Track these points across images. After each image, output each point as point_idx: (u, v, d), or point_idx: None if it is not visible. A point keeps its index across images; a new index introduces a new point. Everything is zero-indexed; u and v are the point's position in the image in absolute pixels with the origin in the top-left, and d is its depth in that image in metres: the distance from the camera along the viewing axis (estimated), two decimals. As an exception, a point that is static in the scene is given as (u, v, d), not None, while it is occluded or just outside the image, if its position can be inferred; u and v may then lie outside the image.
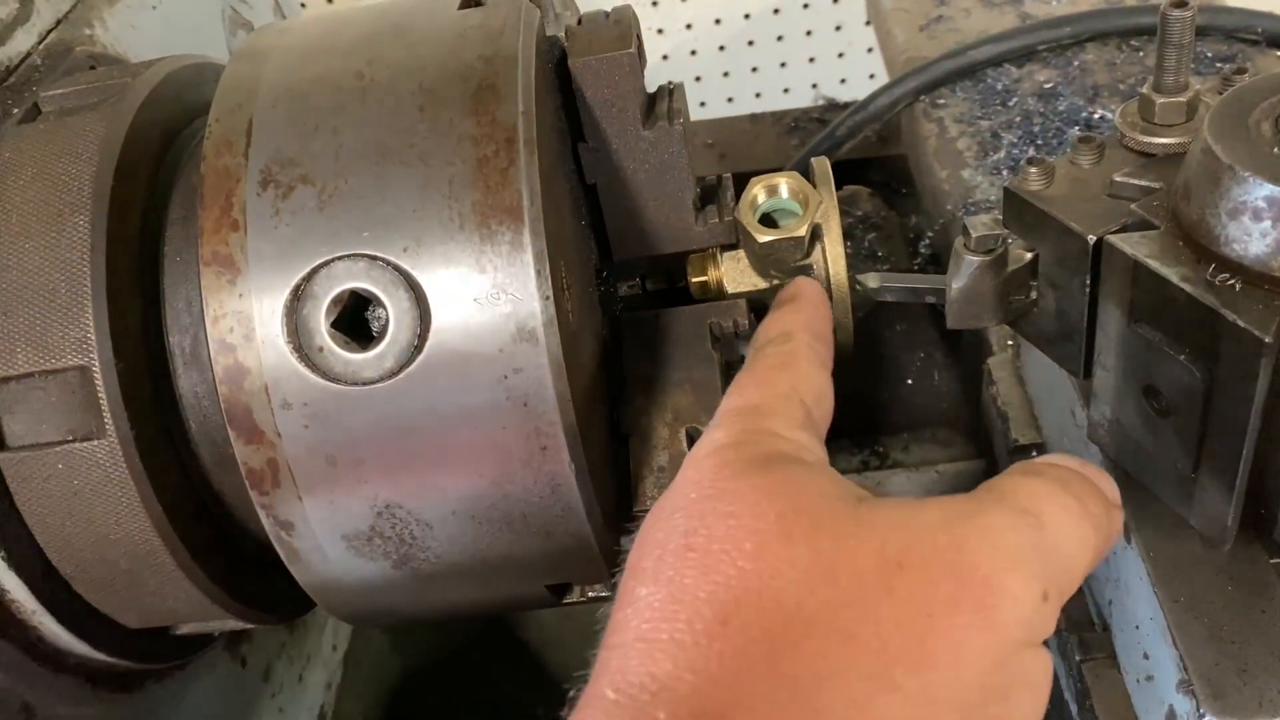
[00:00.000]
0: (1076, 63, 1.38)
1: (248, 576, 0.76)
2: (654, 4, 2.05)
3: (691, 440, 0.71)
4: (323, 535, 0.65)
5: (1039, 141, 1.28)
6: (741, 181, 0.76)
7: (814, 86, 2.15)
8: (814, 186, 0.74)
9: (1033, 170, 0.71)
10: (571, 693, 0.51)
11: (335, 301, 0.61)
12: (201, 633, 0.80)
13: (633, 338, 0.75)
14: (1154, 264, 0.62)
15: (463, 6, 0.69)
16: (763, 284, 0.77)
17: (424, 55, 0.65)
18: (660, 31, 2.08)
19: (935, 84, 1.38)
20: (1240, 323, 0.58)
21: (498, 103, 0.62)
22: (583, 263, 0.72)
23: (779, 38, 2.08)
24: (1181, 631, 0.64)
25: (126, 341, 0.66)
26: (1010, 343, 0.98)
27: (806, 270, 0.75)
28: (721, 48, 2.10)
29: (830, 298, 0.74)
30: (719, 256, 0.77)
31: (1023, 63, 1.39)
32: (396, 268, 0.60)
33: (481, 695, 1.52)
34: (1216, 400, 0.61)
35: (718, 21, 2.07)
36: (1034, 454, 0.88)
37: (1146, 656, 0.67)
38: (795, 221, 0.72)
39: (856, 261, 1.34)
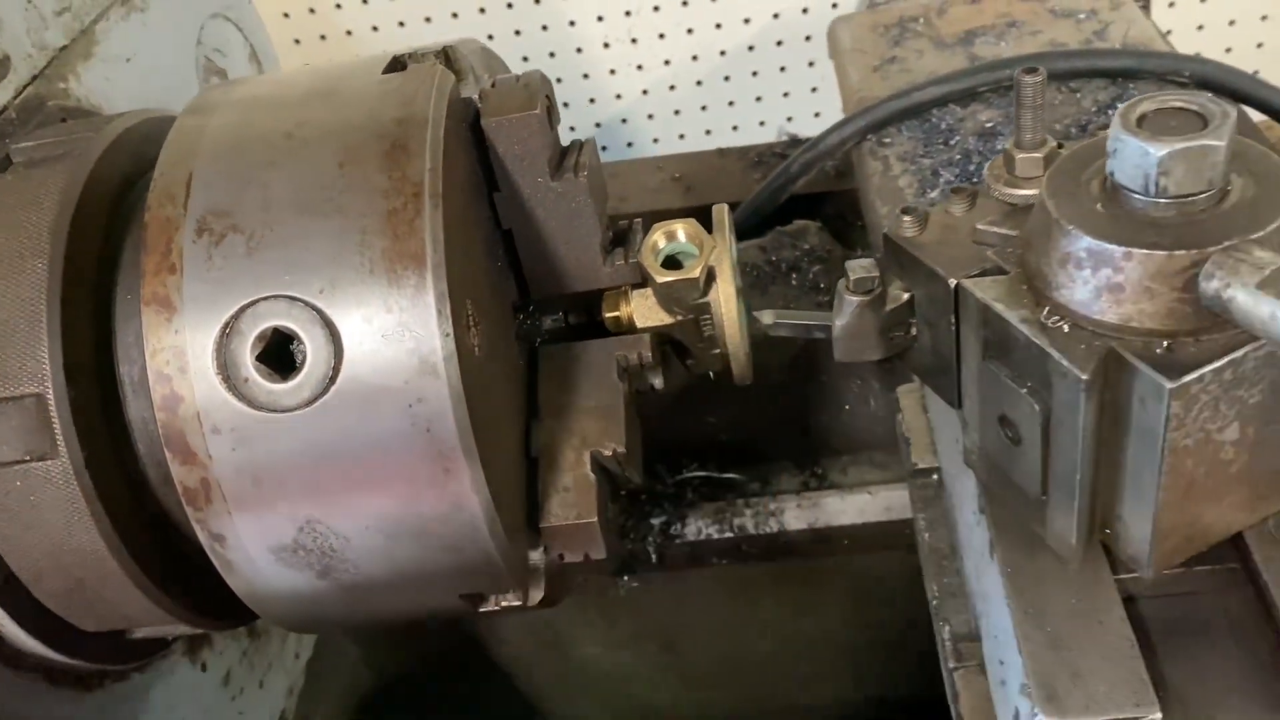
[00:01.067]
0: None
1: (195, 585, 0.83)
2: (633, 41, 2.14)
3: (596, 463, 0.78)
4: (252, 547, 0.72)
5: (975, 179, 1.35)
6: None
7: (788, 120, 2.23)
8: (709, 233, 0.81)
9: (907, 219, 0.78)
10: None
11: (260, 338, 0.68)
12: (157, 637, 0.87)
13: (547, 368, 0.82)
14: (998, 307, 0.69)
15: (387, 71, 0.76)
16: (668, 319, 0.84)
17: (347, 117, 0.72)
18: (640, 67, 2.16)
19: (882, 123, 1.45)
20: (1064, 361, 0.64)
21: (408, 160, 0.69)
22: (497, 300, 0.79)
23: (754, 73, 2.16)
24: (1026, 640, 0.70)
25: (79, 372, 0.74)
26: (921, 373, 1.04)
27: (704, 309, 0.82)
28: (699, 83, 2.18)
29: (724, 332, 0.81)
30: (630, 294, 0.85)
31: (967, 103, 1.46)
32: (314, 307, 0.67)
33: (451, 711, 1.59)
34: (1054, 429, 0.68)
35: (695, 58, 2.14)
36: (934, 477, 0.94)
37: (1002, 663, 0.73)
38: (691, 264, 0.80)
39: (801, 293, 1.40)
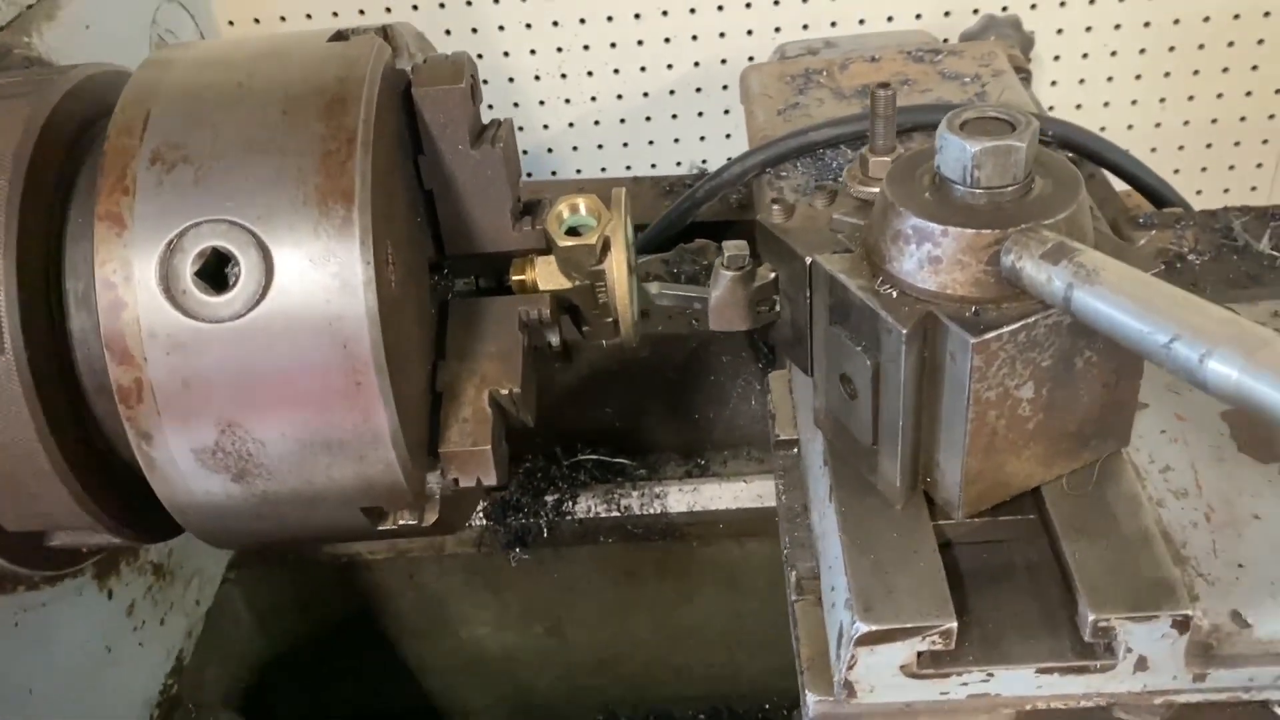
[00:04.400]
0: (901, 148, 1.60)
1: (119, 495, 0.90)
2: (563, 76, 2.26)
3: (493, 400, 0.88)
4: (175, 447, 0.80)
5: (859, 211, 1.48)
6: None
7: (703, 161, 2.37)
8: (608, 208, 0.93)
9: (776, 208, 0.91)
10: None
11: (199, 255, 0.77)
12: (73, 547, 0.94)
13: (456, 318, 0.93)
14: (841, 276, 0.81)
15: (331, 40, 0.87)
16: (567, 284, 0.95)
17: (293, 73, 0.83)
18: (568, 101, 2.29)
19: (780, 158, 1.59)
20: (889, 319, 0.77)
21: (345, 112, 0.79)
22: (415, 250, 0.89)
23: (673, 115, 2.29)
24: (853, 565, 0.81)
25: (30, 281, 0.82)
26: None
27: (599, 275, 0.93)
28: (622, 120, 2.31)
29: (615, 296, 0.92)
30: (535, 260, 0.95)
31: (857, 146, 1.61)
32: (250, 231, 0.77)
33: (341, 685, 1.65)
34: (882, 382, 0.80)
35: (619, 96, 2.27)
36: (794, 450, 1.06)
37: (833, 588, 0.84)
38: (589, 233, 0.91)
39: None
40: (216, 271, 0.78)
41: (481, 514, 1.35)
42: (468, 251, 0.93)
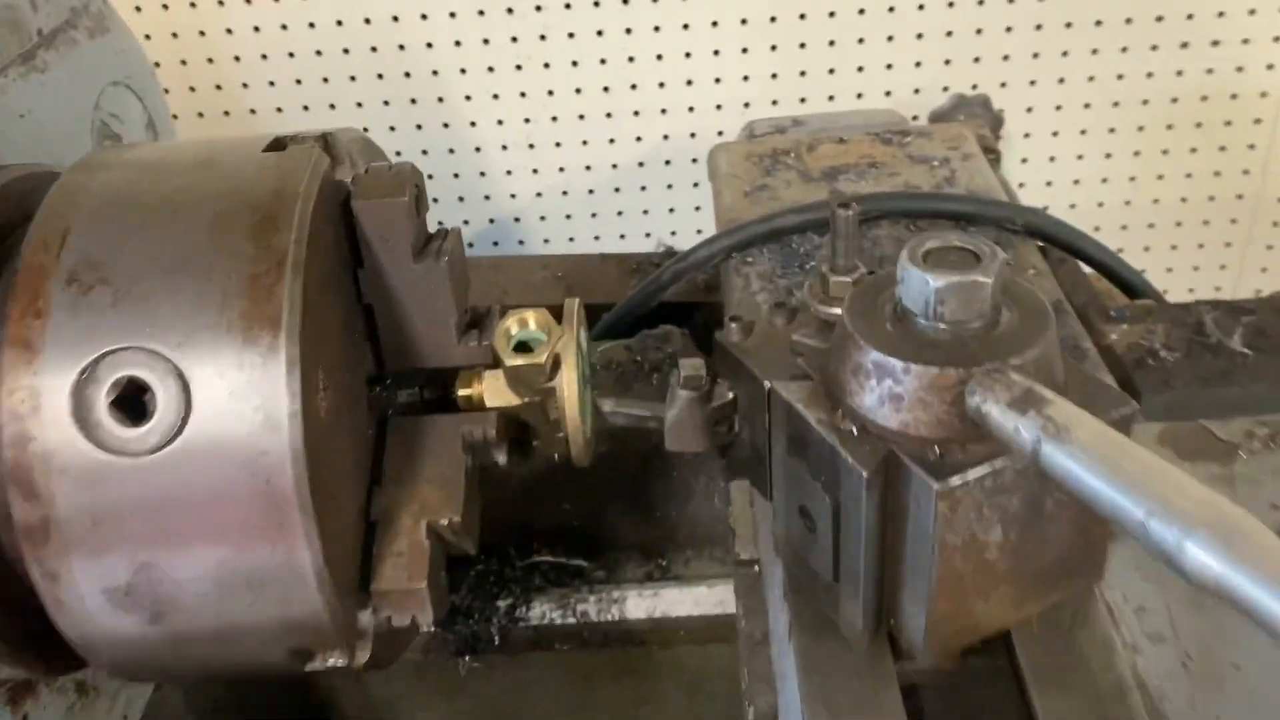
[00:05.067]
0: (870, 236, 1.57)
1: (21, 626, 0.84)
2: (530, 146, 2.24)
3: (432, 531, 0.83)
4: (85, 588, 0.75)
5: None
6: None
7: (672, 234, 2.34)
8: (559, 323, 0.88)
9: (734, 326, 0.86)
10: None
11: (115, 385, 0.72)
12: (-22, 679, 0.88)
13: (396, 438, 0.88)
14: (800, 408, 0.77)
15: (267, 149, 0.83)
16: (516, 400, 0.90)
17: (224, 186, 0.78)
18: (535, 171, 2.26)
19: (746, 244, 1.56)
20: (849, 459, 0.72)
21: (275, 230, 0.75)
22: (351, 370, 0.84)
23: (642, 188, 2.27)
24: (811, 712, 0.76)
25: (-68, 407, 0.76)
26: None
27: (550, 393, 0.89)
28: (591, 191, 2.29)
29: (565, 416, 0.87)
30: (483, 374, 0.91)
31: (823, 232, 1.58)
32: (169, 360, 0.72)
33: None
34: (843, 521, 0.76)
35: (588, 168, 2.25)
36: (755, 569, 1.01)
37: (791, 737, 0.79)
38: (539, 350, 0.86)
39: (662, 390, 1.49)
40: (134, 402, 0.73)
41: (431, 618, 1.29)
42: (410, 367, 0.89)
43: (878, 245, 1.56)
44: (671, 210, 2.31)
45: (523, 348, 0.88)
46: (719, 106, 2.18)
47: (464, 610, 1.29)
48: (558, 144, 2.23)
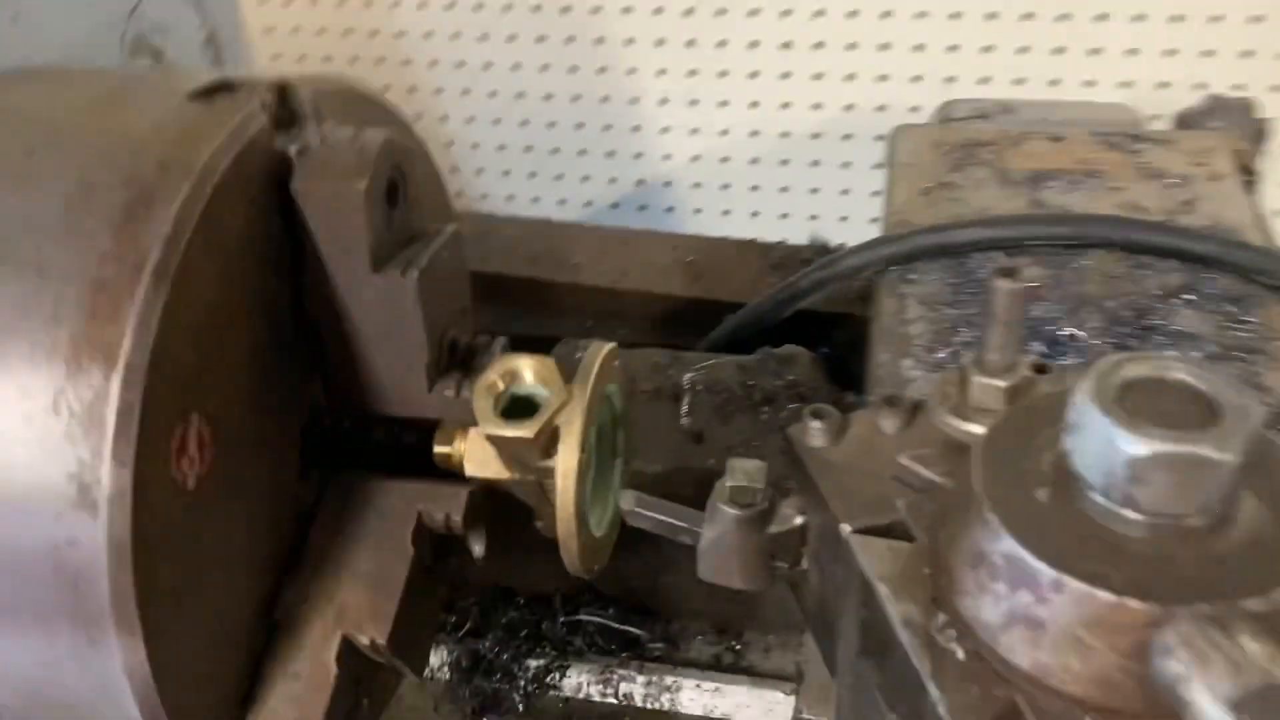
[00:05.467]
0: (1073, 266, 1.23)
1: None
2: (692, 103, 1.97)
3: (347, 649, 0.60)
4: None
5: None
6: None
7: (843, 220, 2.04)
8: (568, 380, 0.62)
9: (817, 424, 0.58)
10: None
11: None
12: None
13: (332, 506, 0.64)
14: (883, 589, 0.49)
15: (197, 95, 0.59)
16: (505, 474, 0.65)
17: (109, 145, 0.56)
18: (695, 131, 2.00)
19: (912, 256, 1.26)
20: (942, 705, 0.44)
21: (148, 219, 0.52)
22: (268, 415, 0.61)
23: (814, 163, 1.97)
24: None
25: None
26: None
27: (547, 473, 0.63)
28: (754, 160, 2.00)
29: (557, 515, 0.62)
30: (468, 431, 0.66)
31: (1014, 253, 1.26)
32: (-36, 388, 0.50)
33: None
34: (921, 784, 0.47)
35: (754, 134, 1.97)
36: (820, 733, 0.74)
37: None
38: (531, 420, 0.61)
39: (769, 431, 1.21)
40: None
41: (446, 665, 1.07)
42: (366, 412, 0.65)
43: (1079, 280, 1.22)
44: (845, 192, 2.00)
45: (519, 407, 0.62)
46: (917, 78, 1.85)
47: (487, 662, 1.07)
48: (723, 103, 1.95)
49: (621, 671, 1.05)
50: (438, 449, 0.66)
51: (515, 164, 2.09)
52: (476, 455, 0.65)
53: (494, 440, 0.61)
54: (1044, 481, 0.46)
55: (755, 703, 1.02)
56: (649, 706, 1.04)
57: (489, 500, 0.66)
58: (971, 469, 0.46)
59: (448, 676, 1.07)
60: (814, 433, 0.58)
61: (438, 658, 1.06)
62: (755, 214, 2.07)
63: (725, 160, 2.01)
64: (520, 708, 1.06)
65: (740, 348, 1.32)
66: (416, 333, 0.61)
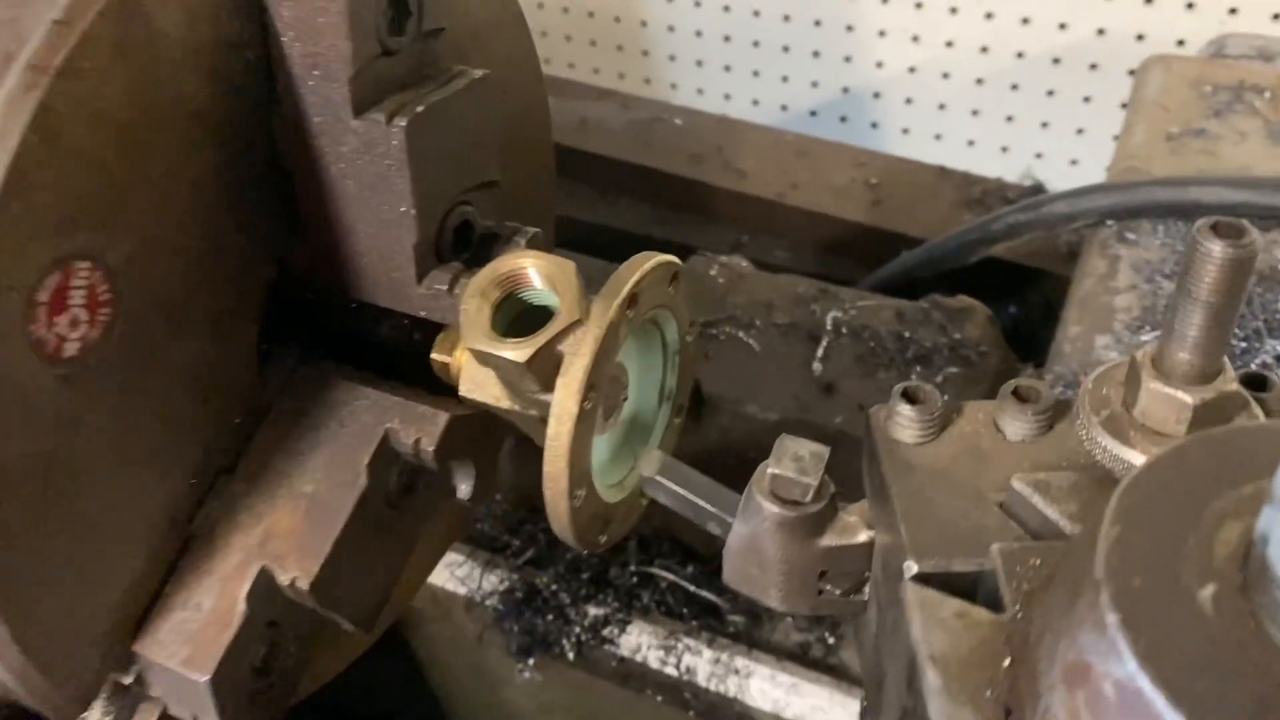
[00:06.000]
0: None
1: None
2: (918, 5, 1.73)
3: (263, 585, 0.47)
4: None
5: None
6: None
7: (1073, 164, 1.77)
8: (589, 293, 0.47)
9: (907, 410, 0.41)
10: None
11: None
12: None
13: (287, 405, 0.51)
14: (933, 678, 0.32)
15: None
16: (505, 401, 0.50)
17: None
18: (915, 39, 1.77)
19: (1136, 211, 1.03)
20: None
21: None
22: (210, 273, 0.48)
23: (1049, 92, 1.71)
24: None
25: None
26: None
27: (544, 406, 0.48)
28: (979, 81, 1.76)
29: (545, 474, 0.47)
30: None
31: (1269, 226, 1.02)
32: None
33: None
34: None
35: (984, 49, 1.72)
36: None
37: None
38: (527, 340, 0.46)
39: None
40: None
41: (497, 593, 0.95)
42: (345, 295, 0.51)
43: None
44: (1080, 132, 1.73)
45: (529, 321, 0.47)
46: (1190, 5, 1.56)
47: (541, 599, 0.94)
48: (953, 10, 1.70)
49: (688, 641, 0.91)
50: (435, 356, 0.53)
51: (711, 54, 1.91)
52: (473, 373, 0.51)
53: (480, 357, 0.47)
54: (1212, 575, 0.27)
55: (835, 710, 0.85)
56: (711, 688, 0.89)
57: (488, 430, 0.51)
58: (1101, 530, 0.29)
59: (498, 605, 0.95)
60: (902, 420, 0.41)
61: (490, 583, 0.95)
62: (971, 143, 1.83)
63: (946, 76, 1.77)
64: (570, 655, 0.93)
65: (909, 292, 1.12)
66: (403, 201, 0.47)
